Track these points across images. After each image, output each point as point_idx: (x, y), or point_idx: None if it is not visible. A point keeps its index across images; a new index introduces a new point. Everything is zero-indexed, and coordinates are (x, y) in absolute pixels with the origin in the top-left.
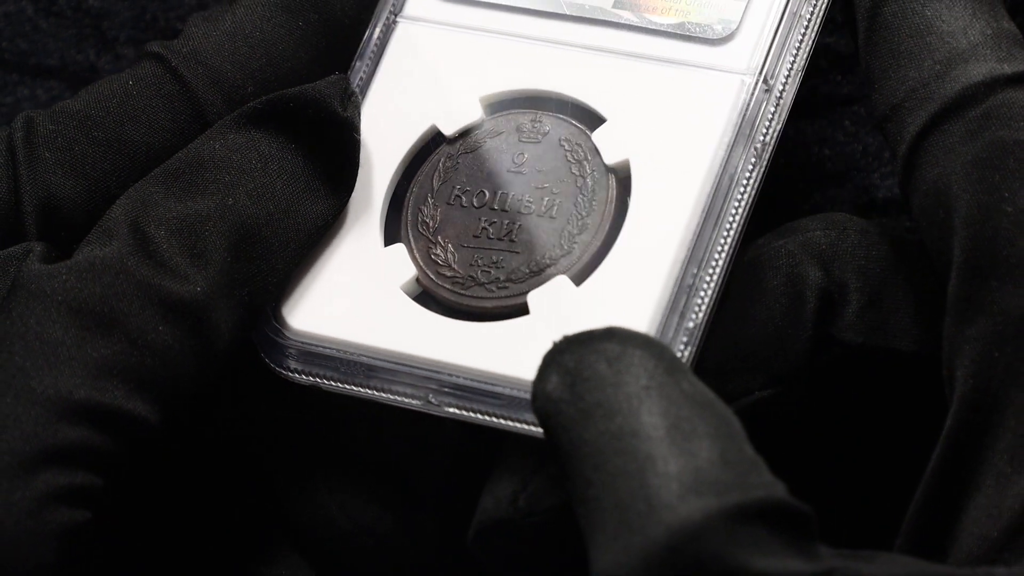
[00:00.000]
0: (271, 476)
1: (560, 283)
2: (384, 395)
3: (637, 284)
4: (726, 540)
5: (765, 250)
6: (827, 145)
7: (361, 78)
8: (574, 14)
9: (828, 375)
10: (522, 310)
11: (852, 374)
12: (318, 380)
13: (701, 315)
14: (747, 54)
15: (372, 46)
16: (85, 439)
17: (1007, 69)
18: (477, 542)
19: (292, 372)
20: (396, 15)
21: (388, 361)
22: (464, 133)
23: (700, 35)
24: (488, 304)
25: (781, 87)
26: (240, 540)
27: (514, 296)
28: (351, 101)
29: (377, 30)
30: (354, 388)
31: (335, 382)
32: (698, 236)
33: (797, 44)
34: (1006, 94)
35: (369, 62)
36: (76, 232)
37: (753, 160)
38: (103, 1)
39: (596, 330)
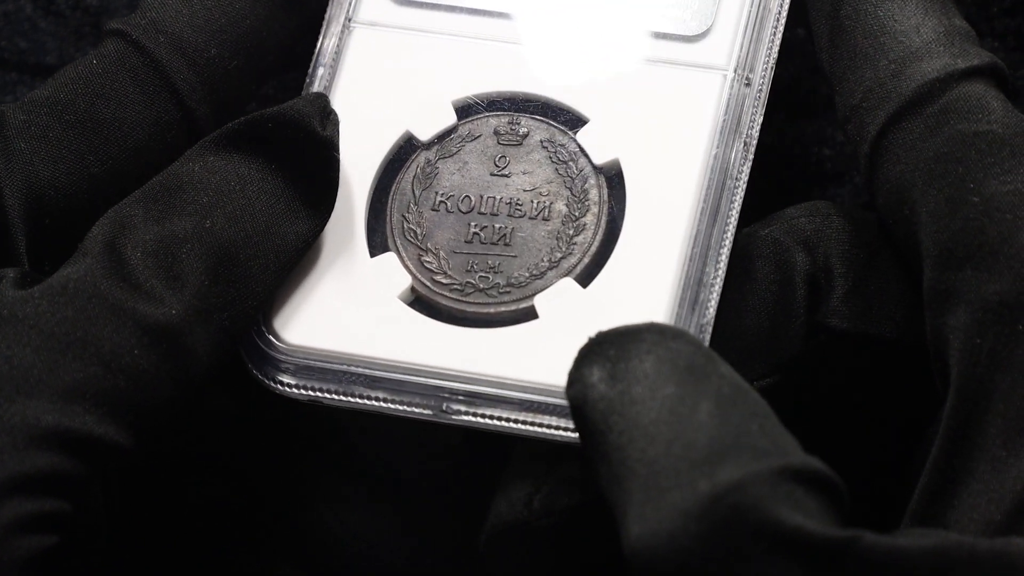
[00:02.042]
0: (261, 486)
1: (566, 285)
2: (390, 406)
3: (647, 282)
4: (764, 496)
5: (752, 239)
6: (827, 145)
7: (325, 87)
8: (543, 14)
9: (817, 361)
10: (528, 314)
11: (840, 360)
12: (318, 395)
13: (712, 309)
14: (725, 49)
15: (330, 54)
16: (54, 465)
17: (961, 64)
18: (490, 546)
19: (289, 388)
20: (351, 20)
21: (393, 372)
22: (440, 138)
23: (677, 32)
24: (491, 310)
25: (760, 80)
26: (233, 553)
27: (518, 301)
28: (330, 120)
29: (332, 36)
30: (357, 401)
31: (336, 395)
32: (702, 231)
33: (770, 37)
34: (962, 88)
35: (328, 70)
36: (61, 219)
37: (743, 154)
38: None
39: (633, 325)
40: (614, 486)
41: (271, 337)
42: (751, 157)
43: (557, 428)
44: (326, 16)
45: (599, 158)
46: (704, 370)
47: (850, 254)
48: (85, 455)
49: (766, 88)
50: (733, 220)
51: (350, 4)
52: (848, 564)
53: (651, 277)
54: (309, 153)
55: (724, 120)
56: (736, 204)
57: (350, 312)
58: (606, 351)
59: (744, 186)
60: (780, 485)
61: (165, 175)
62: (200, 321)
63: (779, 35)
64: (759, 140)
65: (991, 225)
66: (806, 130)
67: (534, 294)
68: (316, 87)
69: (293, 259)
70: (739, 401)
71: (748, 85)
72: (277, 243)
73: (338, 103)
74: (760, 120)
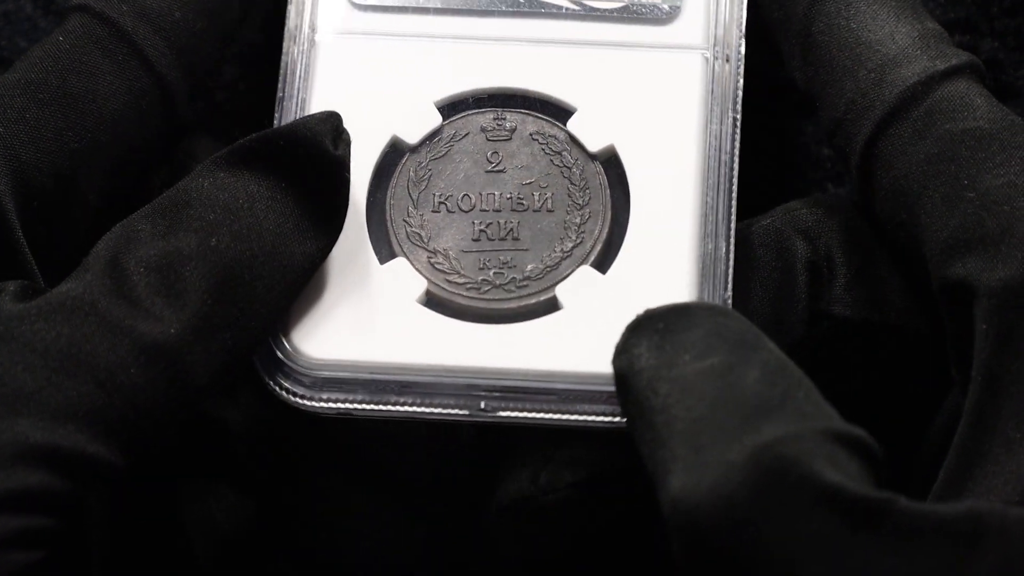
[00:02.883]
0: (264, 493)
1: (585, 273)
2: (424, 410)
3: (666, 263)
4: (808, 452)
5: (754, 228)
6: (827, 145)
7: (301, 100)
8: (510, 9)
9: (820, 349)
10: (551, 305)
11: (843, 348)
12: (349, 407)
13: (730, 283)
14: (699, 29)
15: (299, 67)
16: (42, 483)
17: (940, 65)
18: (497, 522)
19: (317, 403)
20: (314, 30)
21: (424, 375)
22: (426, 140)
23: (648, 15)
24: (513, 304)
25: (737, 57)
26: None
27: (538, 293)
28: (342, 139)
29: (296, 49)
30: (389, 409)
31: (368, 406)
32: (710, 207)
33: (740, 14)
34: (944, 89)
35: (301, 84)
36: (49, 199)
37: (733, 131)
38: None
39: (682, 303)
40: (657, 448)
41: (293, 354)
42: (739, 133)
43: (596, 415)
44: (286, 27)
45: (593, 146)
46: (753, 343)
47: (851, 244)
48: (75, 473)
49: (742, 63)
50: (735, 195)
51: (310, 13)
52: (885, 523)
53: (669, 257)
54: (320, 173)
55: (712, 98)
56: (735, 179)
57: (371, 320)
58: (655, 324)
59: (738, 162)
60: (823, 445)
61: (175, 190)
62: (200, 340)
63: (746, 11)
64: (758, 140)
65: (990, 218)
66: (806, 130)
67: (554, 285)
68: (290, 104)
69: (301, 279)
70: (786, 372)
71: (727, 61)
72: (284, 263)
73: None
74: (741, 95)
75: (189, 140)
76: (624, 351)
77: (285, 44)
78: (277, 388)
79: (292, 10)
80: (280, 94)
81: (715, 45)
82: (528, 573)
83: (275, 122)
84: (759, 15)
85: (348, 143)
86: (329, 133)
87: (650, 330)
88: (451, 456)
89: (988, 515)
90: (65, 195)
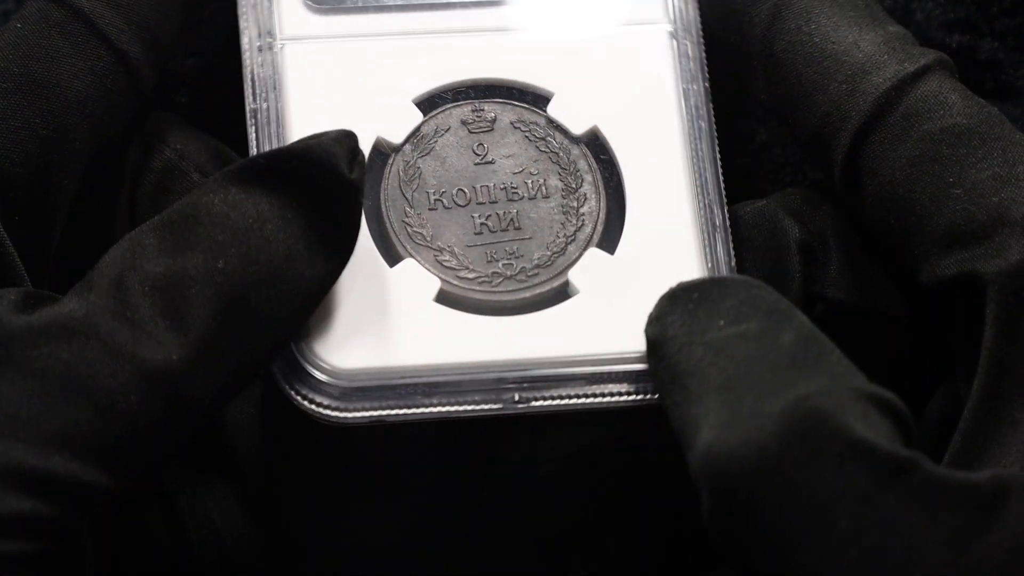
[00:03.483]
0: (258, 494)
1: (595, 255)
2: (456, 409)
3: (671, 236)
4: (842, 407)
5: (747, 210)
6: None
7: (274, 110)
8: (470, 0)
9: None
10: (565, 291)
11: (838, 331)
12: (380, 414)
13: (732, 252)
14: (659, 4)
15: (268, 77)
16: (35, 510)
17: (909, 67)
18: (495, 496)
19: (348, 413)
20: (274, 38)
21: (453, 374)
22: (409, 138)
23: None
24: (527, 294)
25: (696, 28)
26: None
27: (550, 280)
28: (358, 162)
29: (260, 57)
30: (421, 412)
31: (399, 411)
32: (702, 177)
33: None
34: (917, 90)
35: (274, 93)
36: (23, 188)
37: (707, 100)
38: None
39: (717, 276)
40: (691, 406)
41: (320, 366)
42: (711, 100)
43: (625, 395)
44: (243, 36)
45: (576, 129)
46: (786, 312)
47: (844, 230)
48: (67, 500)
49: (701, 34)
50: (719, 162)
51: (266, 20)
52: (912, 480)
53: (672, 230)
54: (334, 196)
55: (682, 69)
56: (716, 147)
57: (394, 325)
58: (689, 295)
59: (715, 130)
60: (857, 402)
61: (184, 204)
62: (203, 365)
63: None
64: (760, 139)
65: (979, 211)
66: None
67: (564, 270)
68: (262, 115)
69: (310, 303)
70: (819, 339)
71: (689, 32)
72: (292, 286)
73: (296, 124)
74: (705, 63)
75: (159, 122)
76: (658, 319)
77: (246, 54)
78: (305, 402)
79: (248, 17)
80: (252, 105)
81: (675, 19)
82: (527, 552)
83: (251, 135)
84: (716, 40)
85: (363, 165)
86: (345, 156)
87: (684, 300)
88: (441, 454)
89: (1011, 480)
90: (39, 183)
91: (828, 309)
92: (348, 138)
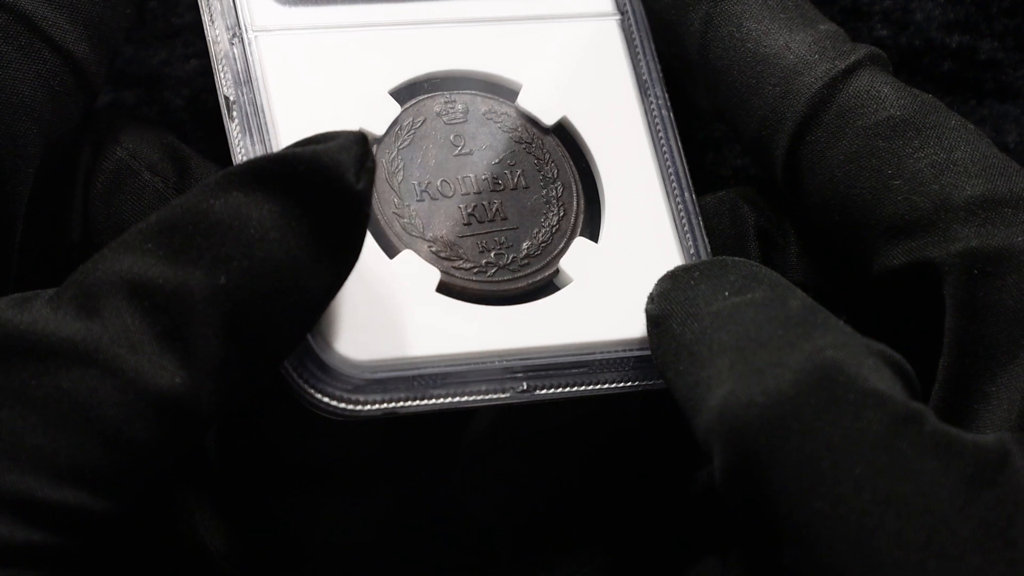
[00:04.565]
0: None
1: (582, 244)
2: (465, 399)
3: (648, 222)
4: (855, 359)
5: (707, 200)
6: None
7: (260, 105)
8: None
9: None
10: (556, 280)
11: None
12: (393, 406)
13: (704, 233)
14: None
15: (242, 69)
16: (41, 540)
17: (840, 64)
18: (463, 474)
19: (362, 407)
20: (244, 30)
21: (460, 364)
22: (389, 131)
23: None
24: (522, 284)
25: (642, 18)
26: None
27: (542, 269)
28: (366, 170)
29: (233, 51)
30: (431, 403)
31: (410, 402)
32: (668, 160)
33: None
34: (849, 87)
35: (252, 84)
36: None
37: (663, 87)
38: None
39: (714, 258)
40: (700, 370)
41: (335, 359)
42: (664, 85)
43: (627, 381)
44: (209, 28)
45: (545, 120)
46: (788, 285)
47: (799, 222)
48: (73, 529)
49: (646, 23)
50: (680, 146)
51: (238, 12)
52: (925, 429)
53: (649, 217)
54: (339, 206)
55: (636, 57)
56: (676, 131)
57: (402, 316)
58: (691, 273)
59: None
60: (869, 356)
61: (184, 207)
62: (207, 385)
63: None
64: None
65: (921, 199)
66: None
67: (554, 259)
68: (249, 108)
69: (314, 313)
70: (822, 308)
71: (638, 21)
72: (296, 299)
73: (280, 115)
74: (654, 49)
75: (109, 121)
76: (660, 296)
77: (217, 46)
78: (319, 396)
79: (214, 9)
80: (232, 96)
81: (623, 11)
82: (502, 539)
83: (233, 125)
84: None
85: (372, 172)
86: (353, 164)
87: (686, 278)
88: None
89: (1011, 440)
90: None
91: None
92: (357, 144)
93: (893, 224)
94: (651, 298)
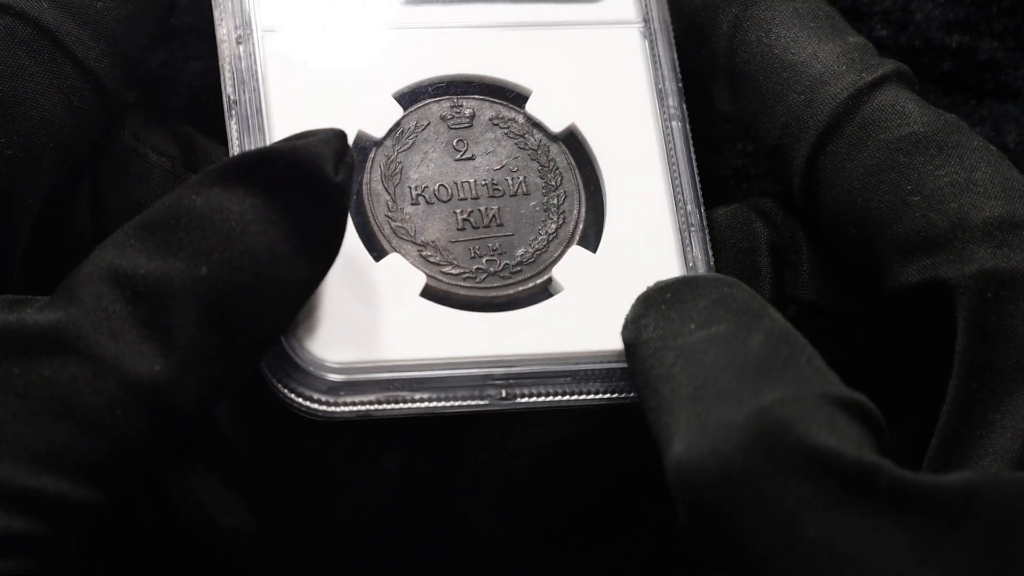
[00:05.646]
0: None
1: (577, 253)
2: (443, 404)
3: (650, 235)
4: (806, 416)
5: (719, 213)
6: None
7: (255, 101)
8: None
9: None
10: (548, 288)
11: (812, 332)
12: (367, 408)
13: (710, 248)
14: (630, 4)
15: (247, 68)
16: (24, 529)
17: (867, 77)
18: (467, 490)
19: (336, 408)
20: (252, 29)
21: (440, 370)
22: (390, 133)
23: None
24: (512, 291)
25: (667, 29)
26: None
27: (534, 277)
28: (345, 164)
29: (240, 48)
30: (408, 407)
31: (386, 405)
32: (678, 175)
33: None
34: (874, 100)
35: (253, 83)
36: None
37: (680, 99)
38: None
39: (691, 275)
40: (663, 415)
41: (309, 360)
42: (683, 98)
43: (609, 392)
44: (219, 25)
45: (554, 127)
46: (757, 312)
47: (815, 234)
48: (56, 517)
49: (672, 34)
50: (694, 160)
51: (247, 11)
52: (878, 487)
53: (651, 228)
54: (319, 199)
55: (655, 68)
56: (691, 145)
57: (381, 319)
58: (663, 296)
59: (689, 129)
60: (822, 408)
61: (166, 205)
62: (188, 375)
63: None
64: (737, 139)
65: (939, 217)
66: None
67: (548, 267)
68: (249, 105)
69: (294, 306)
70: (789, 339)
71: (661, 32)
72: (276, 291)
73: (276, 115)
74: (677, 61)
75: (136, 123)
76: (633, 322)
77: (224, 45)
78: (294, 396)
79: (225, 8)
80: (232, 96)
81: (646, 19)
82: (502, 548)
83: (232, 125)
84: (682, 56)
85: (351, 166)
86: (331, 157)
87: (658, 301)
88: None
89: (981, 482)
90: (6, 203)
91: (801, 311)
92: (336, 139)
93: (909, 240)
94: (625, 323)
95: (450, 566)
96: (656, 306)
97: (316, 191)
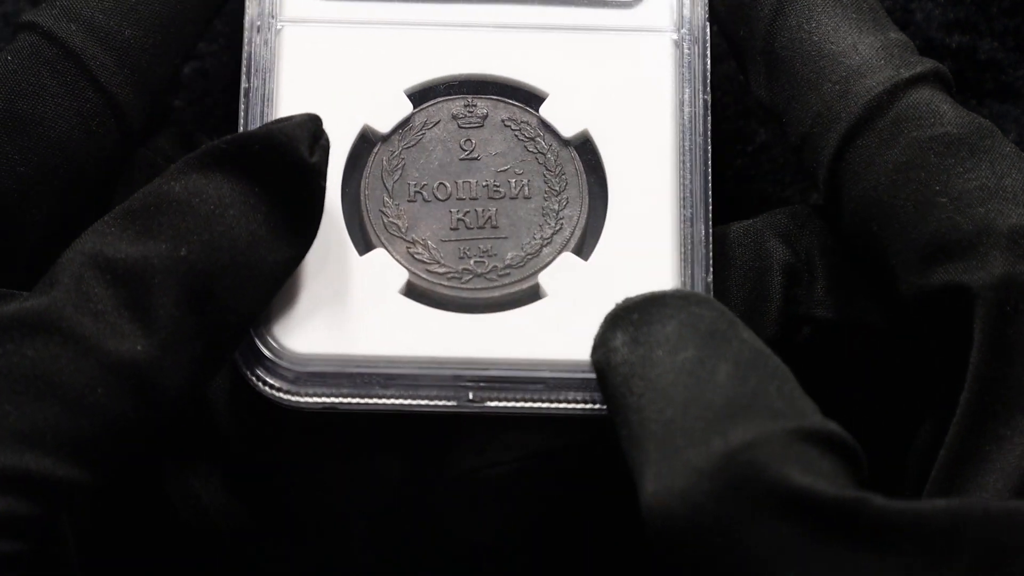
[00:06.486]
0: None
1: (567, 260)
2: (409, 402)
3: (647, 248)
4: (776, 456)
5: (732, 229)
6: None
7: (268, 92)
8: None
9: (804, 353)
10: (534, 293)
11: (828, 350)
12: (332, 400)
13: (711, 267)
14: (665, 12)
15: (263, 58)
16: (10, 509)
17: (904, 74)
18: (446, 496)
19: (301, 398)
20: (276, 19)
21: (409, 367)
22: (397, 129)
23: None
24: (495, 293)
25: (704, 39)
26: None
27: (520, 281)
28: (319, 145)
29: (259, 39)
30: (374, 402)
31: (352, 399)
32: (688, 190)
33: None
34: (909, 97)
35: (266, 73)
36: (7, 224)
37: (705, 113)
38: None
39: (659, 292)
40: (633, 448)
41: (276, 349)
42: (710, 115)
43: (582, 403)
44: (246, 16)
45: (566, 131)
46: (725, 334)
47: (831, 247)
48: (43, 497)
49: (708, 45)
50: (710, 177)
51: (271, 3)
52: (858, 523)
53: (649, 241)
54: (295, 180)
55: (683, 80)
56: (709, 162)
57: (354, 313)
58: (630, 316)
59: (711, 144)
60: (793, 445)
61: (146, 193)
62: (169, 354)
63: None
64: (760, 139)
65: (965, 221)
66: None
67: (535, 272)
68: (255, 94)
69: (273, 287)
70: (759, 364)
71: (695, 43)
72: (255, 272)
73: (286, 105)
74: (709, 74)
75: (161, 138)
76: (601, 345)
77: (247, 34)
78: (260, 384)
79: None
80: (245, 85)
81: (682, 27)
82: (479, 556)
83: (240, 114)
84: (723, 34)
85: (326, 149)
86: (306, 139)
87: (625, 322)
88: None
89: (969, 509)
90: (12, 219)
91: (816, 330)
92: (311, 121)
93: (932, 242)
94: (594, 345)
95: (439, 571)
96: (624, 327)
97: (292, 173)
